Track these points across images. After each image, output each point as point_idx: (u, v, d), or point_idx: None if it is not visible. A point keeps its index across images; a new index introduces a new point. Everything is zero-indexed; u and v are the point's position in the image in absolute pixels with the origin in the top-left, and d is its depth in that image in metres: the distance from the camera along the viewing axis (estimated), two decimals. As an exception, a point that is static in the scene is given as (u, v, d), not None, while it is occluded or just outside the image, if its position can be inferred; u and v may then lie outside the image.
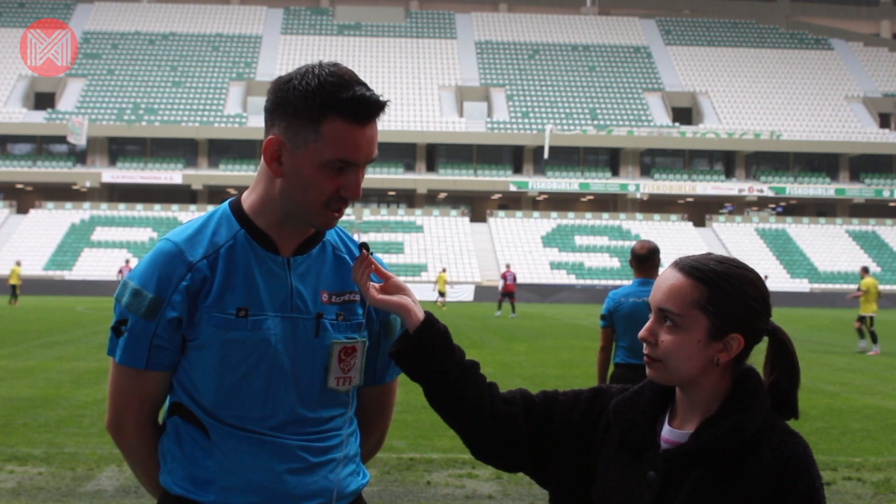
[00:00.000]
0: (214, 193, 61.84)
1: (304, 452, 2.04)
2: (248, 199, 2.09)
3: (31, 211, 56.89)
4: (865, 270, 20.59)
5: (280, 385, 2.03)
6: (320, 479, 2.05)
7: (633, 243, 6.42)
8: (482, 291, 48.13)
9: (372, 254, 2.10)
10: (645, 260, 6.16)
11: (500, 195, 64.21)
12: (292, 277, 2.06)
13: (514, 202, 64.64)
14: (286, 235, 2.07)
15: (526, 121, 63.64)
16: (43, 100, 64.27)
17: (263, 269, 2.05)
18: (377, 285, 2.08)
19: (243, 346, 2.01)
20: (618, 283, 49.86)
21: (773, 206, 64.05)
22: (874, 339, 18.97)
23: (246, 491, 2.01)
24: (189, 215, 55.44)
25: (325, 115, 1.94)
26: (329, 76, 1.94)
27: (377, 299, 2.06)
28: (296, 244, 2.08)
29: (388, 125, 61.22)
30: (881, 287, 51.63)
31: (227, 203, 2.13)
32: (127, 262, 45.36)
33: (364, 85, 1.97)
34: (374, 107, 1.96)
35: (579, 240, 55.73)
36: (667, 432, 1.92)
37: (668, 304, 1.87)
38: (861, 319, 19.34)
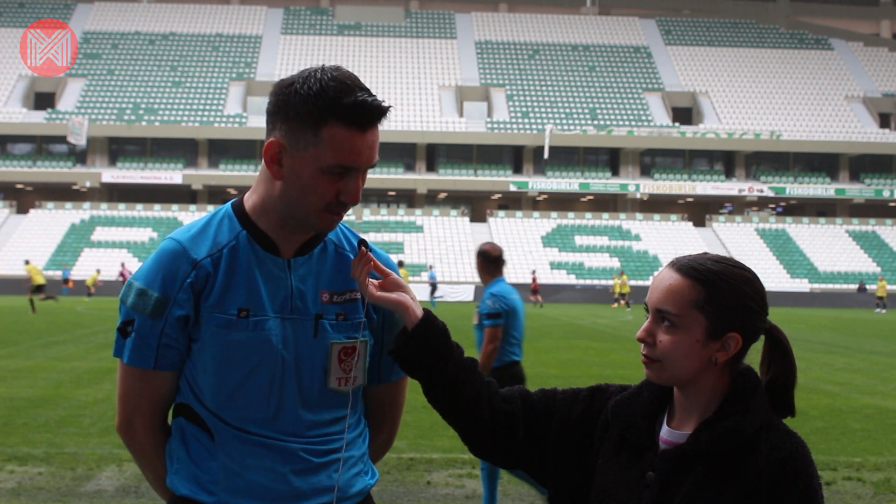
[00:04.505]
0: (214, 193, 61.84)
1: (307, 455, 2.04)
2: (249, 200, 2.09)
3: (31, 211, 56.90)
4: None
5: (282, 386, 2.03)
6: (324, 479, 2.05)
7: (484, 245, 6.70)
8: (482, 291, 48.10)
9: (371, 251, 2.09)
10: (500, 261, 6.55)
11: (500, 195, 64.21)
12: (293, 279, 2.06)
13: (514, 202, 64.64)
14: (287, 237, 2.06)
15: (526, 121, 63.64)
16: (43, 100, 64.27)
17: (264, 270, 2.04)
18: (376, 282, 2.08)
19: (245, 347, 2.00)
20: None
21: (773, 206, 64.04)
22: None
23: (250, 493, 2.01)
24: (189, 215, 55.46)
25: (325, 121, 1.92)
26: (331, 81, 1.93)
27: (376, 296, 2.05)
28: (297, 245, 2.08)
29: (388, 125, 60.72)
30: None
31: (229, 204, 2.12)
32: (123, 265, 45.44)
33: (366, 90, 1.95)
34: (376, 112, 1.95)
35: (579, 240, 55.74)
36: (665, 433, 1.92)
37: (665, 304, 1.87)
38: None
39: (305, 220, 2.01)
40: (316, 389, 2.06)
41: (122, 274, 43.76)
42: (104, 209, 57.18)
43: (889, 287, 52.62)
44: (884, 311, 43.97)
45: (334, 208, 1.99)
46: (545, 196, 64.01)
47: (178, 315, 2.00)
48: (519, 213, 59.03)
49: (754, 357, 1.94)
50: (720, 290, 1.86)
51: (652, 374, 1.90)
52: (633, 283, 48.01)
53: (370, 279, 2.07)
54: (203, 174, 60.67)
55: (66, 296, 44.30)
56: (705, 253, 1.95)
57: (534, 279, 44.94)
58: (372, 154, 1.98)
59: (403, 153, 62.57)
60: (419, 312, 2.05)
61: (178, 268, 2.01)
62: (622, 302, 44.03)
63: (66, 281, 46.21)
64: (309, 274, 2.08)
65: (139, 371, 2.04)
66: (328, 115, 1.92)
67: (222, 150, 62.89)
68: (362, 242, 2.11)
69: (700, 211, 63.66)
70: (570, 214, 59.08)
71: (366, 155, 1.97)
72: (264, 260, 2.05)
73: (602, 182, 62.29)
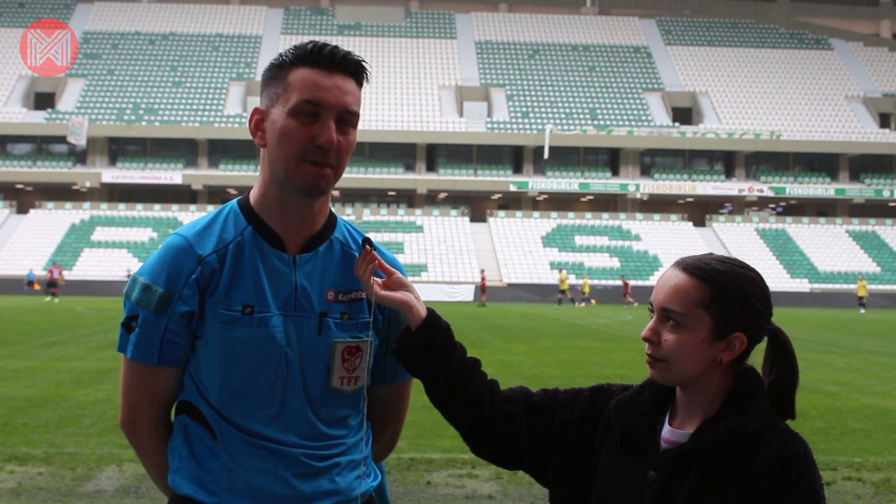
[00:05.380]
0: (214, 193, 61.84)
1: (308, 459, 2.03)
2: (253, 194, 2.10)
3: (31, 211, 56.89)
4: None
5: (286, 384, 2.02)
6: (326, 483, 2.04)
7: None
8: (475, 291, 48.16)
9: (375, 249, 2.09)
10: None
11: (500, 195, 64.21)
12: (298, 275, 2.05)
13: (514, 202, 64.64)
14: (292, 231, 2.06)
15: (526, 121, 63.64)
16: (43, 100, 64.26)
17: (268, 266, 2.04)
18: (380, 281, 2.07)
19: (249, 343, 2.00)
20: (617, 282, 49.90)
21: (773, 206, 64.04)
22: None
23: (252, 494, 2.00)
24: (189, 215, 55.45)
25: (292, 67, 1.99)
26: (306, 42, 2.02)
27: (380, 295, 2.05)
28: (302, 241, 2.07)
29: (388, 125, 61.27)
30: (883, 287, 51.70)
31: (236, 200, 2.13)
32: (55, 262, 45.31)
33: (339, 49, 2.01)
34: (340, 55, 1.99)
35: (579, 240, 55.74)
36: (667, 432, 1.92)
37: (671, 303, 1.87)
38: None
39: (288, 179, 2.00)
40: (319, 388, 2.05)
41: (50, 272, 43.15)
42: (104, 209, 57.17)
43: (889, 287, 52.65)
44: (863, 310, 43.75)
45: (310, 155, 1.97)
46: (545, 196, 64.01)
47: (182, 311, 2.00)
48: (519, 213, 59.02)
49: (756, 359, 1.94)
50: (726, 290, 1.86)
51: (656, 373, 1.90)
52: (633, 283, 48.02)
53: (374, 278, 2.07)
54: (203, 174, 60.67)
55: (26, 296, 44.45)
56: (710, 253, 1.95)
57: (482, 279, 45.34)
58: (342, 97, 1.98)
59: (403, 153, 62.58)
60: (423, 312, 2.05)
61: (183, 264, 2.01)
62: (560, 297, 43.66)
63: (30, 283, 46.05)
64: (315, 272, 2.07)
65: (143, 367, 2.03)
66: (294, 62, 1.99)
67: (222, 150, 62.89)
68: (367, 241, 2.10)
69: (700, 211, 63.67)
70: (570, 214, 59.08)
71: (333, 93, 1.98)
72: (269, 255, 2.04)
73: (602, 182, 62.29)
